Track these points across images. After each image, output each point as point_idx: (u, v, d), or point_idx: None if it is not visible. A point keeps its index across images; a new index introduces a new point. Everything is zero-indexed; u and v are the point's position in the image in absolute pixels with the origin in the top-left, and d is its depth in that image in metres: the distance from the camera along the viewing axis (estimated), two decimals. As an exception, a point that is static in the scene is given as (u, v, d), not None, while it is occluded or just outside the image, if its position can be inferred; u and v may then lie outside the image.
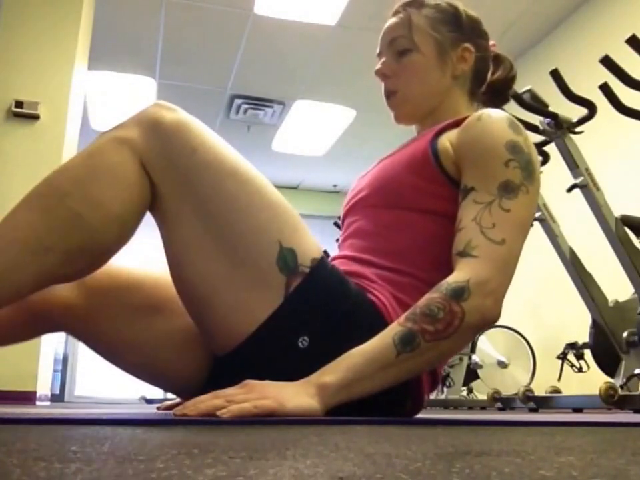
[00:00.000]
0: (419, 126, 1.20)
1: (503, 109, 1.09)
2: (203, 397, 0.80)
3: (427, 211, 1.03)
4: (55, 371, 4.92)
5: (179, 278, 0.96)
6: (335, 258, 1.11)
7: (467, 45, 1.16)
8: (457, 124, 1.06)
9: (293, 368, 0.86)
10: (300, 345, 0.90)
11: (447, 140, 1.04)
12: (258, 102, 5.56)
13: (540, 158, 2.70)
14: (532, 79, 2.72)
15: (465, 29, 1.17)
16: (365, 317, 0.94)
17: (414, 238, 1.03)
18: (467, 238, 0.93)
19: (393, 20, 1.19)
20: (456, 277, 0.90)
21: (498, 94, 1.22)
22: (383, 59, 1.19)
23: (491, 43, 1.21)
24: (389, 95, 1.18)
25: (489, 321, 0.91)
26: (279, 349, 0.91)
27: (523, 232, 0.96)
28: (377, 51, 1.21)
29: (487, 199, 0.95)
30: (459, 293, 0.88)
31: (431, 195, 1.03)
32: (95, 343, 1.07)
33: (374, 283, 1.00)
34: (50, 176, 0.89)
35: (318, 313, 0.92)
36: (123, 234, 0.90)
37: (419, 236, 1.03)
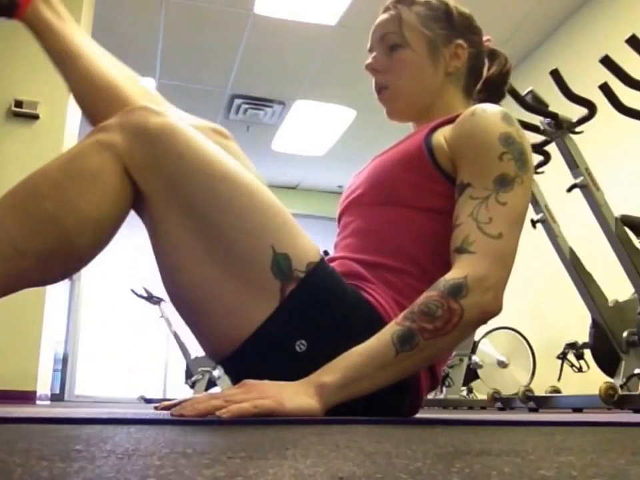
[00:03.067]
0: (415, 124, 1.20)
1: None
2: (201, 397, 0.80)
3: (422, 208, 1.03)
4: (54, 370, 4.92)
5: (171, 282, 0.95)
6: (332, 259, 1.11)
7: (459, 41, 1.15)
8: (451, 120, 1.06)
9: (291, 372, 0.86)
10: (297, 348, 0.90)
11: (441, 136, 1.03)
12: (258, 102, 5.55)
13: (540, 158, 2.70)
14: (535, 80, 2.72)
15: (457, 25, 1.16)
16: (362, 318, 0.94)
17: (410, 236, 1.03)
18: (464, 234, 0.93)
19: (383, 16, 1.19)
20: (453, 274, 0.90)
21: (494, 90, 1.22)
22: (374, 54, 1.19)
23: (485, 38, 1.21)
24: (380, 89, 1.18)
25: (489, 316, 0.91)
26: (277, 353, 0.91)
27: (519, 223, 0.96)
28: (368, 46, 1.21)
29: (483, 194, 0.94)
30: (456, 290, 0.88)
31: (426, 191, 1.03)
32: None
33: (371, 284, 1.00)
34: (29, 177, 0.88)
35: (314, 317, 0.92)
36: (99, 239, 0.89)
37: (415, 233, 1.02)
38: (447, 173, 1.01)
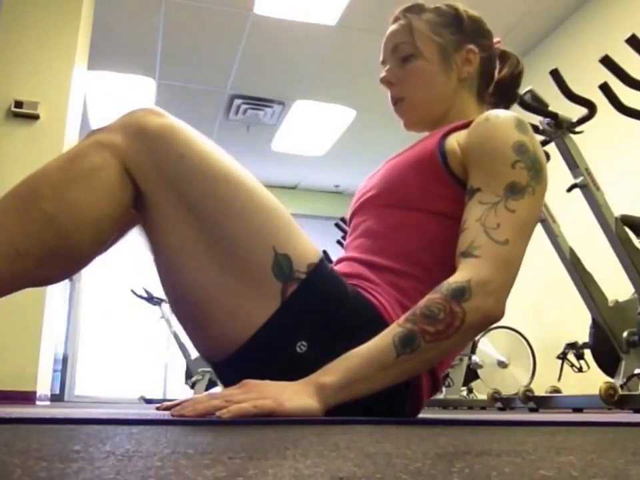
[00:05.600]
0: (430, 132, 1.19)
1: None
2: (201, 397, 0.80)
3: (434, 213, 1.02)
4: (54, 370, 4.92)
5: (171, 284, 0.95)
6: (342, 259, 1.11)
7: (470, 46, 1.15)
8: (465, 125, 1.05)
9: (292, 373, 0.86)
10: (298, 349, 0.90)
11: (454, 141, 1.03)
12: (258, 102, 5.55)
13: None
14: (534, 79, 2.71)
15: (467, 30, 1.16)
16: (363, 319, 0.94)
17: (419, 239, 1.02)
18: (470, 238, 0.93)
19: (393, 27, 1.18)
20: (457, 277, 0.90)
21: (506, 92, 1.21)
22: (387, 67, 1.18)
23: (496, 39, 1.20)
24: (396, 101, 1.18)
25: (491, 321, 0.91)
26: (277, 354, 0.91)
27: (527, 232, 0.95)
28: (381, 58, 1.20)
29: (492, 200, 0.94)
30: (459, 294, 0.87)
31: (437, 196, 1.02)
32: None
33: (375, 285, 1.00)
34: (28, 178, 0.88)
35: (315, 318, 0.92)
36: (99, 239, 0.89)
37: (424, 237, 1.02)
38: (459, 178, 1.01)
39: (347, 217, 1.20)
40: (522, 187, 0.95)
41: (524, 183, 0.95)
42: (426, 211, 1.03)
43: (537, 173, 0.97)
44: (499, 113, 1.01)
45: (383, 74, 1.18)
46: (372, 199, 1.10)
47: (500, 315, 0.91)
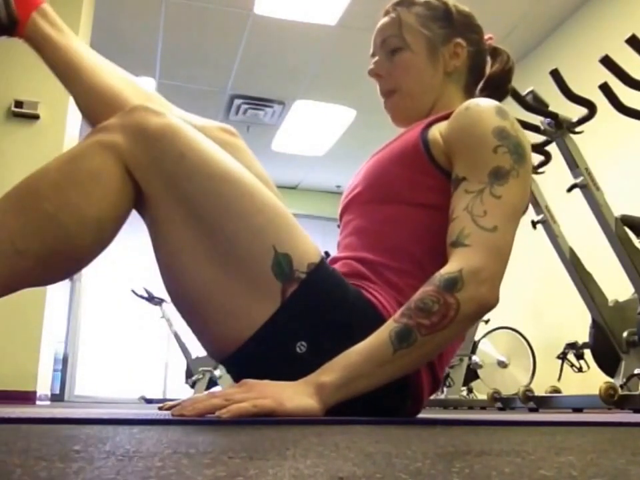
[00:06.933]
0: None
1: None
2: (200, 397, 0.80)
3: (420, 205, 1.02)
4: (54, 370, 4.91)
5: (172, 283, 0.95)
6: (335, 259, 1.11)
7: (458, 40, 1.15)
8: (447, 116, 1.06)
9: (292, 373, 0.86)
10: (298, 350, 0.90)
11: (437, 131, 1.03)
12: (258, 102, 5.55)
13: (541, 158, 2.71)
14: (534, 79, 2.72)
15: (456, 24, 1.17)
16: (363, 319, 0.94)
17: (408, 233, 1.02)
18: (459, 227, 0.93)
19: (384, 20, 1.19)
20: (449, 268, 0.89)
21: (497, 87, 1.21)
22: (376, 59, 1.19)
23: (487, 36, 1.21)
24: (387, 94, 1.18)
25: (486, 309, 0.90)
26: (277, 354, 0.91)
27: (515, 217, 0.95)
28: (370, 51, 1.21)
29: (477, 188, 0.94)
30: (452, 284, 0.87)
31: (423, 187, 1.02)
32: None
33: (373, 284, 1.00)
34: (29, 178, 0.88)
35: (315, 319, 0.92)
36: (100, 239, 0.89)
37: (413, 230, 1.02)
38: (443, 168, 1.01)
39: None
40: (506, 171, 0.94)
41: (507, 167, 0.94)
42: (413, 204, 1.03)
43: (520, 156, 0.96)
44: (479, 101, 1.01)
45: (372, 66, 1.19)
46: (358, 196, 1.10)
47: (494, 303, 0.91)
